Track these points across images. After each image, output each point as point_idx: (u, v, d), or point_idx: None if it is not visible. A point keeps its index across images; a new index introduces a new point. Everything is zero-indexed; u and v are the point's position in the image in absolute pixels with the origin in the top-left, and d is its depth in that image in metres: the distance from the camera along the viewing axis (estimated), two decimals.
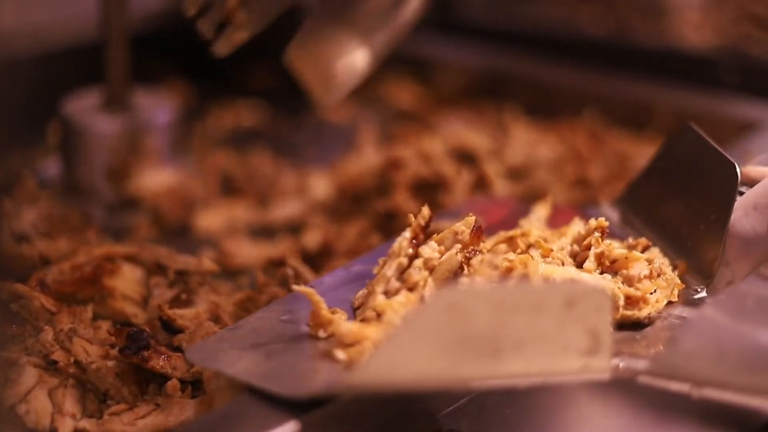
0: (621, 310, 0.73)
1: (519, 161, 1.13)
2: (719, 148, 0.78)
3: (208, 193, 1.10)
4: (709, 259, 0.76)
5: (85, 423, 0.72)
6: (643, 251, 0.78)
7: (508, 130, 1.22)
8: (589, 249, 0.76)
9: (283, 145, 1.22)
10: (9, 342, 0.77)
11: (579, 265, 0.76)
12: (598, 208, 0.88)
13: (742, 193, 0.76)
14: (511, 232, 0.80)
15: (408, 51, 1.36)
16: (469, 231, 0.75)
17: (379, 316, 0.71)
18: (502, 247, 0.78)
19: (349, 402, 0.66)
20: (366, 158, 1.15)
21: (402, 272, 0.73)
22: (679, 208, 0.80)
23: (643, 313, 0.74)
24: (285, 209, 1.07)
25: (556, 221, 0.85)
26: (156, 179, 1.08)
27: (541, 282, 0.71)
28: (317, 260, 0.96)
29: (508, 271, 0.73)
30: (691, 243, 0.78)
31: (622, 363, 0.68)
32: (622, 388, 0.75)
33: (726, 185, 0.76)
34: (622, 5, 1.45)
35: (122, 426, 0.71)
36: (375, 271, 0.75)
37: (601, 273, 0.76)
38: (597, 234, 0.77)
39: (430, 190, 1.06)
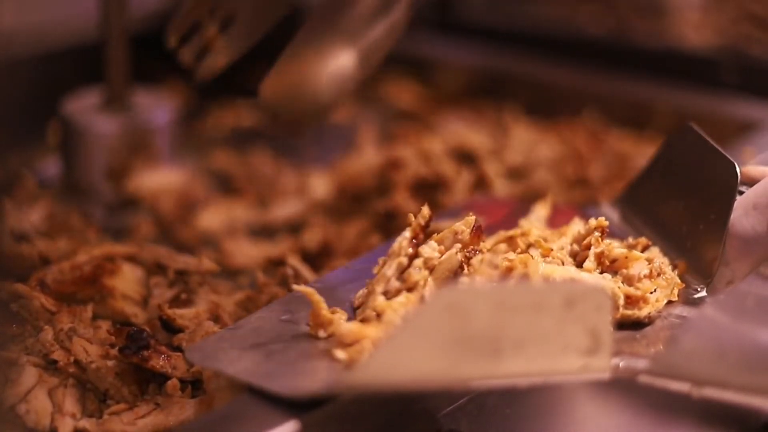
0: (621, 309, 0.73)
1: (519, 161, 1.13)
2: (719, 148, 0.78)
3: (208, 193, 1.10)
4: (709, 258, 0.76)
5: (85, 422, 0.72)
6: (643, 251, 0.78)
7: (508, 130, 1.22)
8: (589, 248, 0.76)
9: (283, 145, 1.22)
10: (9, 342, 0.77)
11: (579, 265, 0.76)
12: (598, 207, 0.88)
13: (742, 193, 0.76)
14: (511, 232, 0.80)
15: (408, 51, 1.36)
16: (469, 231, 0.75)
17: (379, 316, 0.71)
18: (502, 246, 0.78)
19: (349, 402, 0.66)
20: (366, 158, 1.15)
21: (402, 272, 0.73)
22: (679, 207, 0.80)
23: (643, 312, 0.74)
24: (285, 209, 1.07)
25: (556, 221, 0.85)
26: (156, 179, 1.08)
27: (541, 282, 0.71)
28: (317, 260, 0.96)
29: (508, 270, 0.73)
30: (691, 242, 0.78)
31: (622, 362, 0.68)
32: (622, 387, 0.75)
33: (726, 185, 0.76)
34: (622, 5, 1.45)
35: (122, 425, 0.71)
36: (375, 270, 0.75)
37: (601, 272, 0.76)
38: (597, 234, 0.77)
39: (430, 190, 1.06)
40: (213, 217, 1.06)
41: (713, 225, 0.76)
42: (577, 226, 0.80)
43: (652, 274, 0.75)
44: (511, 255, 0.75)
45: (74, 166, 1.09)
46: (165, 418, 0.71)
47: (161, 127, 1.10)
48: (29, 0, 1.26)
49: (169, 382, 0.73)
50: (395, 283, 0.72)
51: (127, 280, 0.84)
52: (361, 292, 0.75)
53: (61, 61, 1.25)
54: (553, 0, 1.49)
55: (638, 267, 0.75)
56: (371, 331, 0.69)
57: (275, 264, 0.95)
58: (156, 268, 0.87)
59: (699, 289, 0.76)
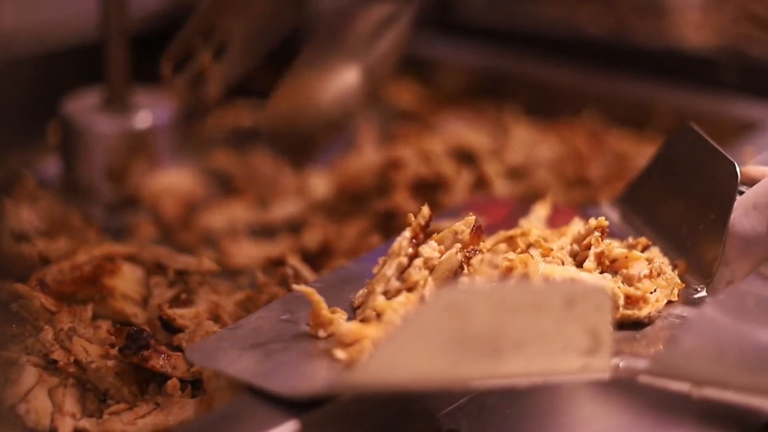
0: (621, 309, 0.73)
1: (519, 161, 1.13)
2: (719, 148, 0.78)
3: (208, 193, 1.10)
4: (709, 258, 0.76)
5: (85, 422, 0.72)
6: (643, 251, 0.78)
7: (508, 130, 1.22)
8: (589, 248, 0.76)
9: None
10: (9, 342, 0.77)
11: (579, 265, 0.76)
12: (598, 207, 0.88)
13: (742, 193, 0.76)
14: (511, 232, 0.80)
15: (408, 51, 1.35)
16: (469, 230, 0.75)
17: (379, 315, 0.71)
18: (502, 246, 0.78)
19: (349, 402, 0.66)
20: (366, 158, 1.15)
21: (402, 272, 0.73)
22: (679, 207, 0.80)
23: (643, 312, 0.74)
24: (285, 209, 1.07)
25: (556, 221, 0.85)
26: (156, 179, 1.08)
27: (541, 281, 0.71)
28: (317, 260, 0.96)
29: (508, 270, 0.73)
30: (691, 242, 0.78)
31: (622, 362, 0.68)
32: (622, 387, 0.75)
33: (726, 185, 0.76)
34: (622, 5, 1.45)
35: (122, 425, 0.71)
36: (375, 270, 0.75)
37: (601, 272, 0.76)
38: (597, 233, 0.77)
39: (430, 189, 1.06)
40: (213, 217, 1.06)
41: (713, 225, 0.76)
42: (577, 226, 0.80)
43: (652, 274, 0.75)
44: (511, 255, 0.75)
45: (74, 166, 1.09)
46: (165, 417, 0.71)
47: (161, 127, 1.10)
48: (29, 0, 1.26)
49: (169, 382, 0.73)
50: (395, 283, 0.72)
51: (127, 280, 0.84)
52: (361, 291, 0.75)
53: (61, 61, 1.25)
54: (553, 0, 1.49)
55: (638, 267, 0.75)
56: (371, 331, 0.69)
57: (275, 264, 0.95)
58: (156, 268, 0.87)
59: (699, 289, 0.76)
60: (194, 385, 0.74)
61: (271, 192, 1.10)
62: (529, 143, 1.17)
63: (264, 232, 1.04)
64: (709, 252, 0.76)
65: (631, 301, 0.74)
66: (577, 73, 1.32)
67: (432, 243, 0.74)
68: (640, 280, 0.75)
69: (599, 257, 0.76)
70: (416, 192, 1.05)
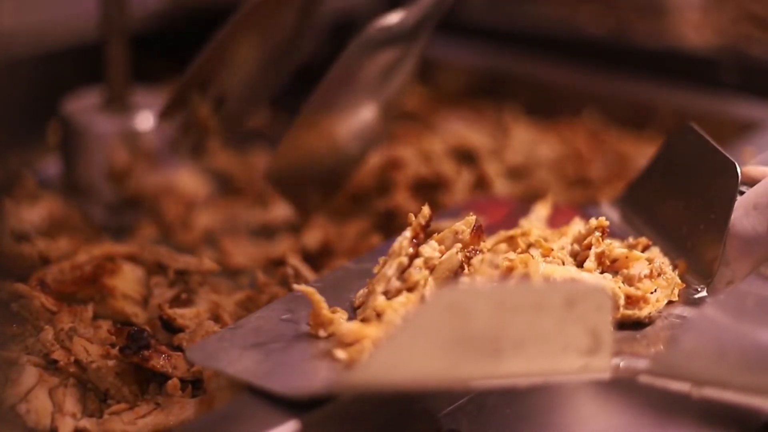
0: (621, 309, 0.73)
1: (519, 161, 1.13)
2: (720, 148, 0.78)
3: (208, 193, 1.10)
4: (709, 258, 0.76)
5: (85, 422, 0.72)
6: (643, 251, 0.78)
7: (508, 129, 1.22)
8: (590, 248, 0.76)
9: None
10: (9, 341, 0.77)
11: (579, 265, 0.76)
12: (599, 207, 0.88)
13: (742, 193, 0.76)
14: (512, 232, 0.80)
15: None
16: (469, 230, 0.75)
17: (379, 315, 0.71)
18: (503, 246, 0.78)
19: (349, 402, 0.66)
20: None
21: (402, 272, 0.73)
22: (679, 207, 0.80)
23: (644, 312, 0.74)
24: (285, 209, 1.07)
25: (557, 221, 0.85)
26: (156, 179, 1.08)
27: (541, 281, 0.71)
28: (317, 260, 0.95)
29: (509, 270, 0.73)
30: (691, 242, 0.78)
31: (622, 362, 0.68)
32: (623, 387, 0.75)
33: (726, 185, 0.76)
34: (622, 5, 1.45)
35: (122, 425, 0.71)
36: (375, 270, 0.75)
37: (602, 272, 0.76)
38: (597, 233, 0.77)
39: (430, 189, 1.06)
40: (213, 217, 1.06)
41: (714, 225, 0.76)
42: (577, 226, 0.80)
43: (653, 274, 0.75)
44: (512, 255, 0.75)
45: (74, 166, 1.09)
46: (165, 417, 0.71)
47: (161, 127, 1.10)
48: (29, 0, 1.26)
49: (170, 382, 0.73)
50: (396, 283, 0.72)
51: (127, 279, 0.84)
52: (362, 291, 0.75)
53: (61, 61, 1.25)
54: (553, 0, 1.49)
55: (639, 267, 0.75)
56: (371, 330, 0.69)
57: (275, 264, 0.95)
58: (156, 268, 0.87)
59: (699, 289, 0.76)
60: (195, 384, 0.74)
61: (272, 192, 1.10)
62: (529, 143, 1.17)
63: (264, 232, 1.04)
64: (710, 252, 0.76)
65: (631, 301, 0.74)
66: (577, 73, 1.32)
67: (432, 243, 0.74)
68: (640, 280, 0.75)
69: (600, 257, 0.76)
70: (416, 192, 1.05)
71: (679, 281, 0.76)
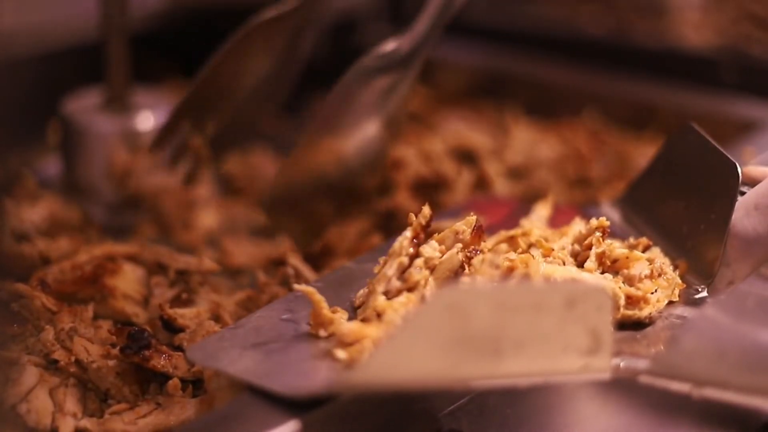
0: (622, 309, 0.73)
1: (519, 161, 1.13)
2: (720, 148, 0.78)
3: (208, 193, 1.10)
4: (709, 259, 0.76)
5: (86, 422, 0.72)
6: (644, 251, 0.78)
7: (509, 129, 1.22)
8: (590, 249, 0.76)
9: (283, 145, 1.22)
10: (10, 341, 0.77)
11: (580, 265, 0.76)
12: (599, 207, 0.88)
13: (743, 193, 0.76)
14: (512, 232, 0.80)
15: None
16: (470, 230, 0.75)
17: (379, 315, 0.71)
18: (503, 246, 0.78)
19: (349, 402, 0.66)
20: None
21: (403, 272, 0.73)
22: (679, 207, 0.80)
23: (644, 312, 0.74)
24: None
25: (557, 221, 0.85)
26: (156, 179, 1.08)
27: (542, 282, 0.71)
28: (318, 260, 0.95)
29: (509, 270, 0.73)
30: (691, 243, 0.78)
31: (622, 363, 0.68)
32: (623, 388, 0.75)
33: (727, 185, 0.76)
34: (622, 5, 1.45)
35: (123, 425, 0.71)
36: (376, 270, 0.75)
37: (602, 273, 0.76)
38: (598, 234, 0.77)
39: (430, 189, 1.06)
40: (213, 217, 1.06)
41: (714, 225, 0.76)
42: (578, 226, 0.80)
43: (653, 274, 0.75)
44: (512, 255, 0.75)
45: (74, 166, 1.09)
46: (166, 417, 0.71)
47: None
48: (29, 0, 1.26)
49: (170, 382, 0.73)
50: (396, 283, 0.72)
51: (127, 279, 0.84)
52: (362, 291, 0.75)
53: (61, 61, 1.25)
54: (553, 0, 1.49)
55: (639, 267, 0.75)
56: (372, 330, 0.69)
57: (276, 263, 0.95)
58: (157, 268, 0.87)
59: (700, 290, 0.76)
60: (195, 384, 0.74)
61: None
62: (529, 143, 1.17)
63: (264, 232, 1.04)
64: (710, 252, 0.76)
65: (631, 301, 0.74)
66: (577, 73, 1.32)
67: (433, 243, 0.74)
68: (641, 280, 0.75)
69: (600, 257, 0.76)
70: (417, 192, 1.05)
71: (680, 281, 0.76)
